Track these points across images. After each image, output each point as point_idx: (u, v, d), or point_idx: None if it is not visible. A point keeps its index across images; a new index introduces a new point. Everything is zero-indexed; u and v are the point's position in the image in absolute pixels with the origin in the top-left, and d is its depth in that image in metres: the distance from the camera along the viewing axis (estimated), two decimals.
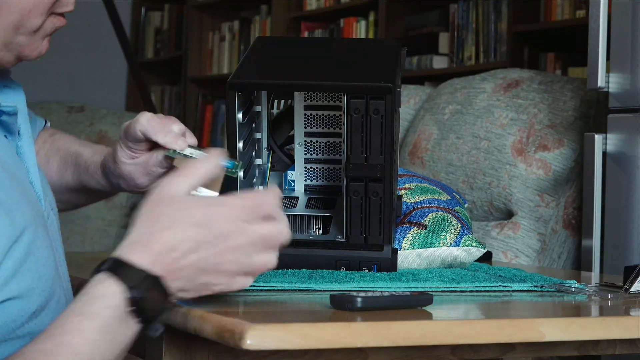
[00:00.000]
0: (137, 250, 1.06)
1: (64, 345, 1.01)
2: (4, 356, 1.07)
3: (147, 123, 1.39)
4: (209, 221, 1.08)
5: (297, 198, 1.62)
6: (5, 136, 1.28)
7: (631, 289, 1.46)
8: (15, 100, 1.33)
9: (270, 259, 1.11)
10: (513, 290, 1.50)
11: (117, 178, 1.48)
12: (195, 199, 1.08)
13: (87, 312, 1.03)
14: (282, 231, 1.11)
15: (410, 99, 3.36)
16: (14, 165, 1.25)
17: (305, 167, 1.65)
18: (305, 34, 5.25)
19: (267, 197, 1.11)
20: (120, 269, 1.06)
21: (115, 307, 1.04)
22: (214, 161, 1.13)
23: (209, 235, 1.08)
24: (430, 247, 1.65)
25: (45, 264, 1.21)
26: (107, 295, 1.04)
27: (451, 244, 1.65)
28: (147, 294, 1.05)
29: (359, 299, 1.19)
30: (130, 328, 1.06)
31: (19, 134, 1.30)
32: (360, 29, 4.92)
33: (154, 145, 1.42)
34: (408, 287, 1.43)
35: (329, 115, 1.63)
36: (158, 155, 1.43)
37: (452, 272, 1.59)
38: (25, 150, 1.30)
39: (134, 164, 1.45)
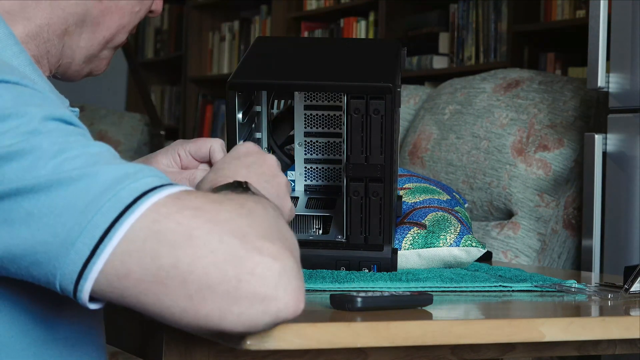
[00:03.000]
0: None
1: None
2: None
3: (222, 151, 1.51)
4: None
5: (297, 198, 1.62)
6: None
7: (631, 289, 1.46)
8: None
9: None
10: (513, 290, 1.50)
11: None
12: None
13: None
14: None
15: (410, 99, 3.36)
16: None
17: (305, 167, 1.65)
18: (305, 34, 5.25)
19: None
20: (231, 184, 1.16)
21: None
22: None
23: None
24: (430, 247, 1.65)
25: None
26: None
27: (451, 244, 1.65)
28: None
29: (359, 299, 1.19)
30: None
31: None
32: (360, 29, 4.92)
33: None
34: (408, 287, 1.43)
35: (329, 115, 1.63)
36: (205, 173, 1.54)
37: (452, 272, 1.59)
38: None
39: (168, 168, 1.50)
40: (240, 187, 1.13)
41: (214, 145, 1.47)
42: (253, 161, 1.26)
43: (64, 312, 1.13)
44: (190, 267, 0.98)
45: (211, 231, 0.99)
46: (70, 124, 1.07)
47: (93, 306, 1.03)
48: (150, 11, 1.38)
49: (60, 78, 1.36)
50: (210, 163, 1.50)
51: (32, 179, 1.01)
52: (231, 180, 1.16)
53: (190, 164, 1.49)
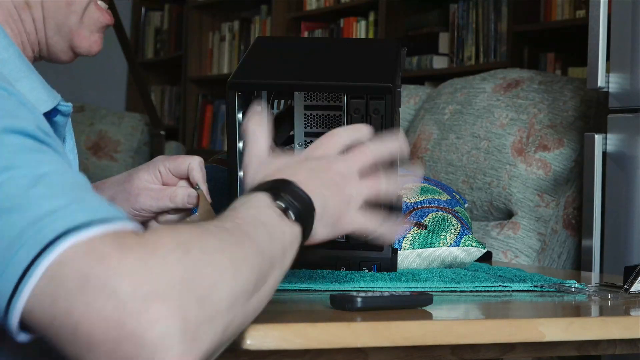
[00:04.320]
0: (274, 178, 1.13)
1: (234, 221, 1.03)
2: None
3: (200, 169, 1.50)
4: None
5: None
6: None
7: (631, 289, 1.46)
8: None
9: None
10: (513, 290, 1.50)
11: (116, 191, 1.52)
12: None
13: (245, 208, 1.07)
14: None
15: (410, 99, 3.36)
16: None
17: None
18: (305, 34, 5.25)
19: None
20: (267, 186, 1.11)
21: (272, 207, 1.08)
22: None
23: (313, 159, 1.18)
24: (430, 247, 1.65)
25: None
26: (262, 201, 1.08)
27: (451, 244, 1.65)
28: (296, 199, 1.10)
29: (359, 299, 1.19)
30: (288, 226, 1.08)
31: (64, 141, 1.29)
32: (360, 29, 4.92)
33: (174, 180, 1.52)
34: (408, 287, 1.43)
35: (329, 115, 1.63)
36: (185, 191, 1.51)
37: (452, 272, 1.59)
38: (70, 157, 1.30)
39: (150, 184, 1.50)
40: (281, 186, 1.10)
41: (192, 163, 1.47)
42: (320, 167, 1.18)
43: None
44: (79, 320, 0.92)
45: (104, 285, 0.92)
46: (33, 137, 1.01)
47: (22, 337, 0.98)
48: None
49: (48, 60, 1.33)
50: (189, 180, 1.51)
51: None
52: (270, 179, 1.12)
53: (170, 181, 1.50)
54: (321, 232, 1.14)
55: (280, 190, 1.09)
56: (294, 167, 1.15)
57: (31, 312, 0.95)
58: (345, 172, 1.17)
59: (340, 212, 1.15)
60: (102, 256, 0.93)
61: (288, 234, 1.07)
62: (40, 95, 1.20)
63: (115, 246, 0.93)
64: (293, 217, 1.08)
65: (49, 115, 1.23)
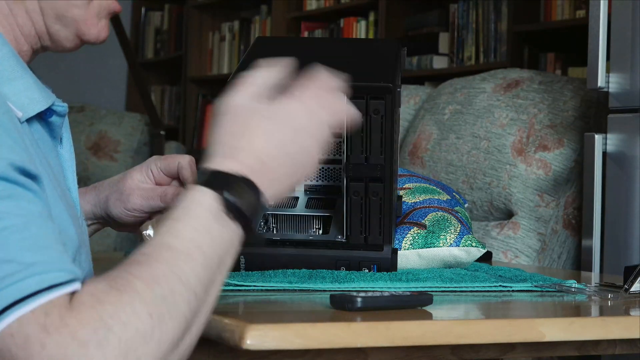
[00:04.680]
0: (227, 162, 1.09)
1: (162, 245, 1.01)
2: None
3: (189, 168, 1.49)
4: (284, 120, 1.12)
5: (297, 198, 1.62)
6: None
7: (631, 289, 1.46)
8: None
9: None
10: (513, 290, 1.50)
11: (110, 193, 1.52)
12: (263, 103, 1.13)
13: (184, 216, 1.04)
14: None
15: (410, 99, 3.36)
16: (57, 169, 1.25)
17: None
18: (305, 34, 5.25)
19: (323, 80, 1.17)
20: (214, 179, 1.07)
21: (212, 208, 1.05)
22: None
23: (288, 133, 1.12)
24: (430, 247, 1.65)
25: (89, 266, 1.25)
26: (204, 201, 1.05)
27: (451, 244, 1.65)
28: (241, 196, 1.06)
29: (359, 299, 1.19)
30: (229, 228, 1.05)
31: (60, 141, 1.28)
32: (360, 29, 4.92)
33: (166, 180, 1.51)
34: (408, 287, 1.43)
35: None
36: (176, 190, 1.50)
37: (452, 272, 1.59)
38: (66, 157, 1.29)
39: (142, 184, 1.50)
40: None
41: (182, 162, 1.47)
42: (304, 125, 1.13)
43: None
44: None
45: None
46: (3, 179, 0.98)
47: None
48: None
49: (53, 50, 1.30)
50: (179, 179, 1.51)
51: None
52: (211, 168, 1.08)
53: (163, 180, 1.50)
54: (283, 188, 1.12)
55: (225, 188, 1.06)
56: (262, 150, 1.10)
57: None
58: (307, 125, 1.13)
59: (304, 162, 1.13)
60: (25, 340, 0.91)
61: (228, 236, 1.05)
62: (34, 96, 1.19)
63: (40, 328, 0.92)
64: (237, 218, 1.06)
65: (44, 116, 1.22)
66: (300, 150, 1.13)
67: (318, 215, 1.58)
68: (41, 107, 1.20)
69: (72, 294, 0.95)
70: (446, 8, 4.40)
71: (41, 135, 1.22)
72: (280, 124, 1.12)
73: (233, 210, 1.06)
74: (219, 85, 6.03)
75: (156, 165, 1.50)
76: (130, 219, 1.51)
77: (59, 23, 1.25)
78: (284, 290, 1.40)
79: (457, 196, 1.92)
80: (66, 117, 1.29)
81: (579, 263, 2.72)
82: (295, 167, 1.13)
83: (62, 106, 1.24)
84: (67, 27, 1.26)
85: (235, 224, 1.06)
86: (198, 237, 1.03)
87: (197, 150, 6.04)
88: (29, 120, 1.18)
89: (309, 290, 1.41)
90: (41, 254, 0.96)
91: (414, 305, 1.26)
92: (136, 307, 0.94)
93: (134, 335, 0.93)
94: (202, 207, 1.05)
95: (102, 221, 1.54)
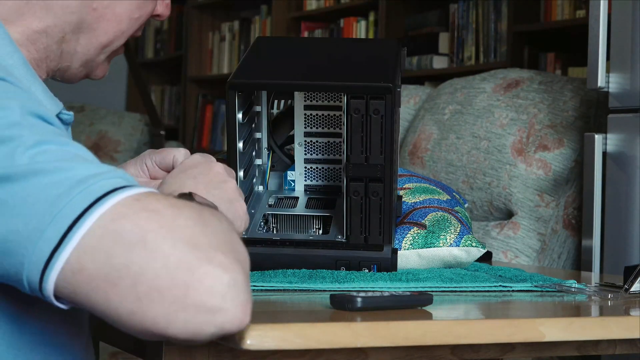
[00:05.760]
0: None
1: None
2: None
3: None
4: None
5: (297, 198, 1.62)
6: None
7: (631, 289, 1.46)
8: None
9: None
10: (513, 290, 1.50)
11: None
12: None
13: None
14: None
15: (410, 99, 3.36)
16: None
17: (305, 167, 1.65)
18: (305, 34, 5.26)
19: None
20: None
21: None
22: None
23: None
24: (430, 247, 1.65)
25: None
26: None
27: (451, 244, 1.65)
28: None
29: (359, 299, 1.19)
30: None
31: None
32: (360, 29, 4.92)
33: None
34: (408, 287, 1.43)
35: (329, 115, 1.63)
36: None
37: (452, 272, 1.59)
38: None
39: (136, 178, 1.50)
40: (184, 198, 1.14)
41: (177, 155, 1.49)
42: (199, 172, 1.31)
43: (32, 310, 1.13)
44: (141, 270, 0.98)
45: (165, 236, 0.99)
46: (50, 123, 1.09)
47: (58, 303, 1.03)
48: (156, 15, 1.39)
49: (59, 80, 1.37)
50: None
51: (9, 167, 1.02)
52: (176, 194, 1.17)
53: (158, 174, 1.50)
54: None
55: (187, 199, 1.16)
56: (180, 181, 1.30)
57: (65, 270, 0.99)
58: (221, 170, 1.32)
59: (233, 204, 1.29)
60: (154, 211, 1.01)
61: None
62: (43, 103, 1.22)
63: (166, 204, 1.02)
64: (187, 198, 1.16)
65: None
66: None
67: (318, 215, 1.58)
68: (50, 114, 1.22)
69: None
70: (446, 8, 4.40)
71: None
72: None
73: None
74: (219, 85, 6.04)
75: (151, 159, 1.50)
76: None
77: (83, 65, 1.35)
78: (284, 290, 1.40)
79: (457, 196, 1.92)
80: (70, 127, 1.31)
81: (579, 263, 2.72)
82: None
83: (68, 114, 1.29)
84: (86, 69, 1.36)
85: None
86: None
87: (197, 150, 6.04)
88: None
89: (309, 290, 1.41)
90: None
91: (414, 305, 1.26)
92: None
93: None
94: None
95: None
